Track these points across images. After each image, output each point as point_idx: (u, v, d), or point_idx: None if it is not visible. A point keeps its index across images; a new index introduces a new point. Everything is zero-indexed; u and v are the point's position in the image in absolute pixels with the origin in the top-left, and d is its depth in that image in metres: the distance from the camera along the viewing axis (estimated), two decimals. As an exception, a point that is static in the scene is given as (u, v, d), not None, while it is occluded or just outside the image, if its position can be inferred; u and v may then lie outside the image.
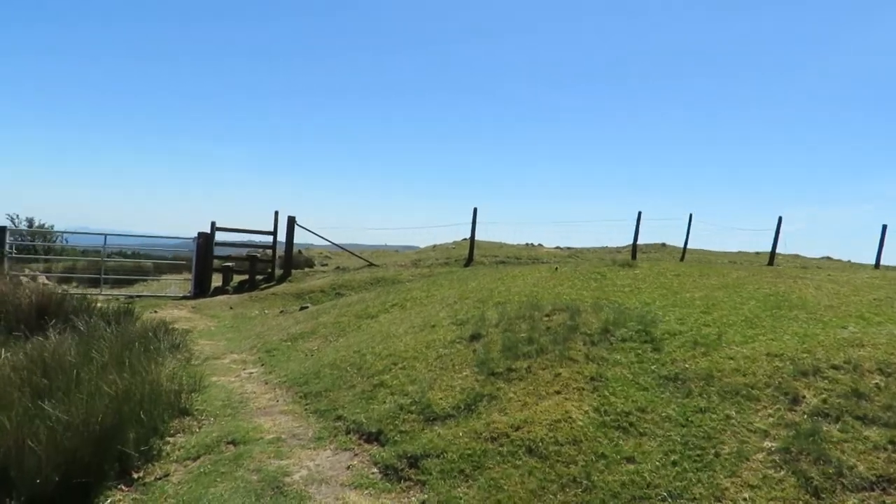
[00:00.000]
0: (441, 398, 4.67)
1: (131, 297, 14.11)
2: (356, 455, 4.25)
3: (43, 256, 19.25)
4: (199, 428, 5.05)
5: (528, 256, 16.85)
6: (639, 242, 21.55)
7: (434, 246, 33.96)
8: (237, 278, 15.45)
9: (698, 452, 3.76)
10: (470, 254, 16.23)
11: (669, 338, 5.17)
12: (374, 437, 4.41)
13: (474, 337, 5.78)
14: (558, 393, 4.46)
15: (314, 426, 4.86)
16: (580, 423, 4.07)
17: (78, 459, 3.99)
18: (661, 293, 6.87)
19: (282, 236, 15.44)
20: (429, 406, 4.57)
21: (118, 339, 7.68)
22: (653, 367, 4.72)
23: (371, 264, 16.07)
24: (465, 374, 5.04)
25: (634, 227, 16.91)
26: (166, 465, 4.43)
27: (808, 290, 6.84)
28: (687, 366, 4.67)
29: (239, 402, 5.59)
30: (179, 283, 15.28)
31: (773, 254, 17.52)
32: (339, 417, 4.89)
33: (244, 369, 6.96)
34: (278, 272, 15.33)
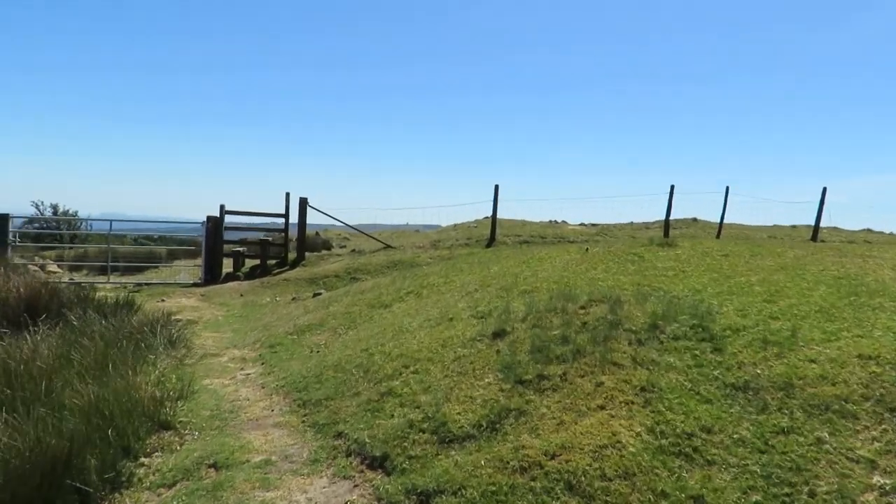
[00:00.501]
0: (459, 413, 3.89)
1: (140, 284, 13.58)
2: (356, 486, 3.50)
3: (57, 244, 18.88)
4: (181, 445, 4.35)
5: (554, 235, 15.95)
6: (669, 218, 20.50)
7: (455, 225, 33.16)
8: (249, 263, 14.83)
9: (786, 490, 2.94)
10: (492, 233, 15.38)
11: (732, 335, 4.31)
12: (378, 463, 3.66)
13: (498, 334, 4.98)
14: (602, 408, 3.65)
15: (310, 444, 4.13)
16: (632, 448, 3.27)
17: (19, 497, 3.31)
18: (712, 277, 5.99)
19: (294, 219, 14.75)
20: (444, 423, 3.80)
21: (108, 336, 7.05)
22: (715, 373, 3.88)
23: (388, 246, 15.32)
24: (487, 380, 4.25)
25: (667, 202, 15.89)
26: (136, 494, 3.75)
27: (884, 272, 5.90)
28: (758, 371, 3.82)
29: (229, 412, 4.88)
30: (190, 270, 14.71)
31: (816, 228, 16.38)
32: (339, 434, 4.14)
33: (242, 369, 6.27)
34: (291, 256, 14.67)
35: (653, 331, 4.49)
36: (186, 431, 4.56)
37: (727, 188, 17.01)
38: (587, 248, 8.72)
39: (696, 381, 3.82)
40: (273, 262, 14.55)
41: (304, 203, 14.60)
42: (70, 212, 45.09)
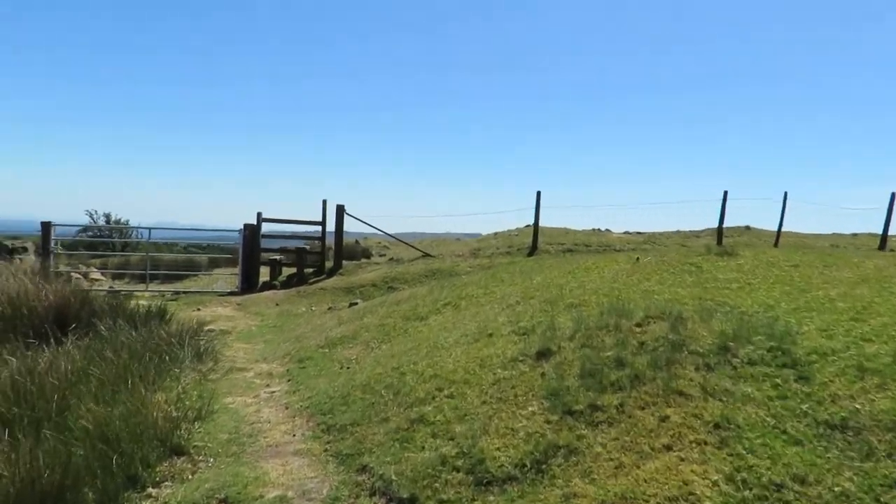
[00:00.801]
0: (498, 449, 3.38)
1: (178, 293, 13.50)
2: (380, 534, 3.03)
3: (99, 252, 19.10)
4: (193, 474, 3.96)
5: (599, 243, 15.27)
6: (723, 226, 19.53)
7: (496, 233, 32.57)
8: (286, 271, 14.62)
9: (911, 565, 2.33)
10: (534, 242, 14.80)
11: (819, 360, 3.68)
12: (405, 506, 3.18)
13: (542, 354, 4.45)
14: (668, 448, 3.09)
15: (332, 478, 3.68)
16: (709, 503, 2.70)
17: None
18: (784, 291, 5.33)
19: (331, 227, 14.47)
20: (481, 461, 3.30)
21: (134, 348, 6.79)
22: (803, 407, 3.27)
23: (426, 255, 14.90)
24: (530, 409, 3.73)
25: (720, 209, 14.99)
26: (138, 532, 3.36)
27: None
28: (857, 406, 3.20)
29: (248, 436, 4.48)
30: (227, 278, 14.59)
31: (885, 236, 15.24)
32: (363, 468, 3.68)
33: (267, 386, 5.89)
34: (328, 265, 14.39)
35: (723, 354, 3.89)
36: (201, 458, 4.18)
37: (785, 194, 16.04)
38: (638, 258, 8.09)
39: (781, 417, 3.22)
40: (310, 270, 14.30)
41: (341, 210, 14.32)
42: (121, 220, 46.28)
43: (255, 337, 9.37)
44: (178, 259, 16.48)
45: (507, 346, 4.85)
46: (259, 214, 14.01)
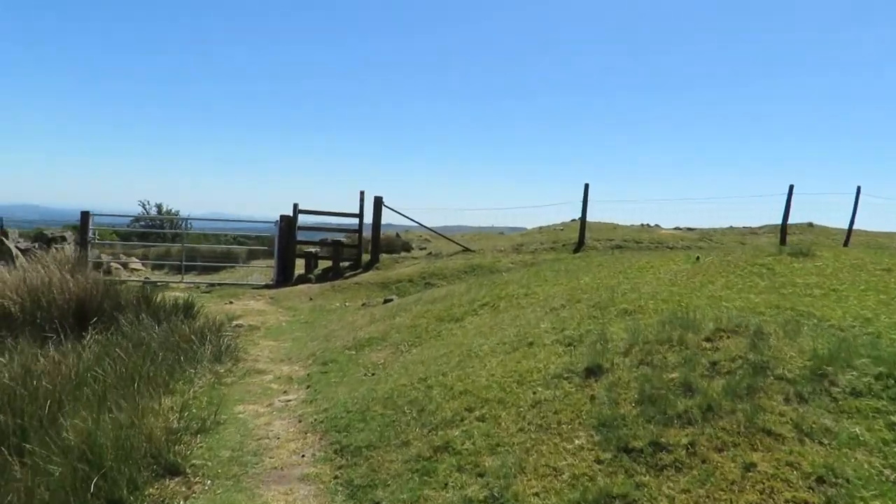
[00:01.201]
0: (537, 494, 2.75)
1: (212, 285, 13.25)
2: None
3: (137, 243, 19.21)
4: (186, 499, 3.47)
5: (650, 240, 14.35)
6: (779, 222, 18.32)
7: (540, 228, 31.70)
8: (322, 265, 14.23)
9: None
10: (580, 237, 14.00)
11: (946, 393, 2.92)
12: (420, 564, 2.58)
13: (591, 371, 3.78)
14: (758, 510, 2.40)
15: (338, 516, 3.12)
16: None
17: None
18: (880, 300, 4.50)
19: (369, 219, 14.00)
20: (515, 511, 2.67)
21: (152, 346, 6.41)
22: (935, 458, 2.53)
23: (467, 249, 14.28)
24: (577, 442, 3.08)
25: (784, 204, 13.85)
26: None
27: None
28: None
29: (253, 454, 3.97)
30: (262, 271, 14.28)
31: (972, 235, 13.83)
32: (375, 504, 3.11)
33: (284, 392, 5.39)
34: (365, 258, 13.93)
35: (818, 380, 3.15)
36: (197, 479, 3.68)
37: (858, 188, 14.75)
38: (698, 257, 7.28)
39: (906, 471, 2.49)
40: (346, 264, 13.87)
41: (378, 202, 13.82)
42: (171, 210, 47.18)
43: (284, 333, 8.94)
44: (216, 250, 16.31)
45: (550, 359, 4.20)
46: (296, 206, 13.64)
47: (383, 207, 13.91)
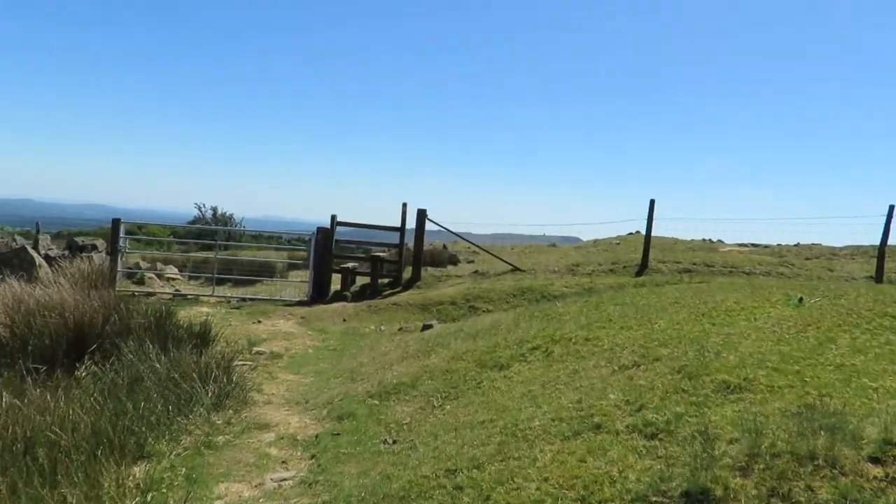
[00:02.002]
0: None
1: (243, 299, 12.49)
2: None
3: (163, 251, 18.68)
4: None
5: (723, 263, 12.79)
6: (865, 243, 16.54)
7: (595, 241, 30.17)
8: (359, 281, 13.29)
9: None
10: (644, 258, 12.59)
11: None
12: None
13: (690, 497, 2.57)
14: None
15: None
16: None
17: None
18: None
19: (410, 233, 12.99)
20: None
21: (146, 384, 5.53)
22: None
23: (516, 269, 13.07)
24: None
25: (884, 225, 12.06)
26: None
27: None
28: None
29: (216, 577, 2.93)
30: (297, 286, 13.44)
31: None
32: None
33: (282, 463, 4.34)
34: (405, 275, 12.91)
35: None
36: None
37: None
38: (801, 298, 5.91)
39: None
40: (385, 280, 12.89)
41: (422, 215, 12.79)
42: (227, 214, 47.50)
43: (308, 364, 7.97)
44: (252, 263, 15.58)
45: (628, 461, 3.00)
46: (333, 217, 12.77)
47: (427, 221, 12.87)
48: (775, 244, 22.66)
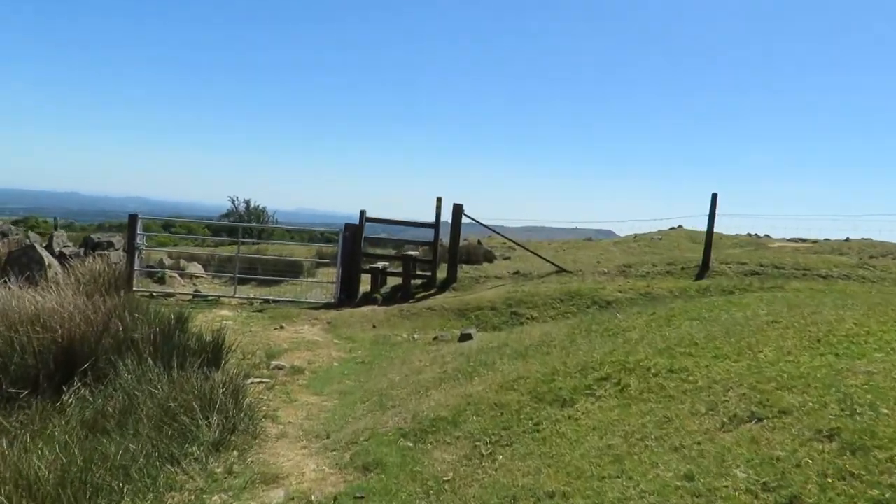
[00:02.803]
0: None
1: (267, 301, 11.63)
2: None
3: (180, 249, 18.00)
4: None
5: (794, 265, 11.41)
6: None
7: (635, 236, 28.74)
8: (391, 281, 12.32)
9: None
10: (705, 259, 11.32)
11: None
12: None
13: None
14: None
15: None
16: None
17: None
18: None
19: (445, 229, 11.96)
20: None
21: (139, 414, 4.63)
22: None
23: (561, 269, 11.93)
24: None
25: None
26: None
27: None
28: None
29: None
30: (325, 287, 12.52)
31: None
32: None
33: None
34: (440, 276, 11.89)
35: None
36: None
37: None
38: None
39: None
40: (418, 281, 11.89)
41: (458, 211, 11.73)
42: (259, 207, 47.12)
43: (332, 382, 7.02)
44: (278, 263, 14.74)
45: None
46: (363, 213, 11.80)
47: (463, 217, 11.82)
48: (822, 239, 21.00)
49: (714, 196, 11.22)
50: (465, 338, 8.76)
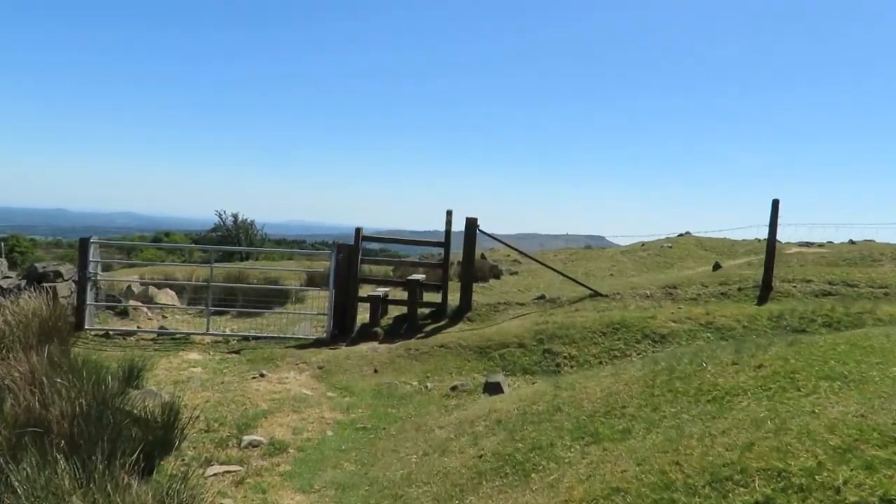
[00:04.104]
0: None
1: (246, 338, 9.73)
2: None
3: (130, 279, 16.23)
4: None
5: (868, 282, 9.68)
6: None
7: (642, 244, 27.23)
8: (392, 310, 10.49)
9: None
10: (766, 278, 9.56)
11: None
12: None
13: None
14: None
15: None
16: None
17: None
18: None
19: (456, 247, 10.16)
20: None
21: None
22: None
23: (596, 293, 10.12)
24: None
25: None
26: None
27: None
28: None
29: None
30: (312, 318, 10.63)
31: None
32: None
33: None
34: (451, 303, 10.07)
35: None
36: None
37: None
38: None
39: None
40: (426, 310, 10.06)
41: (473, 226, 9.93)
42: (247, 221, 44.98)
43: (325, 466, 5.18)
44: (260, 290, 12.83)
45: None
46: (358, 231, 9.97)
47: (477, 233, 10.01)
48: (826, 241, 19.49)
49: (775, 203, 9.47)
50: (493, 389, 6.95)
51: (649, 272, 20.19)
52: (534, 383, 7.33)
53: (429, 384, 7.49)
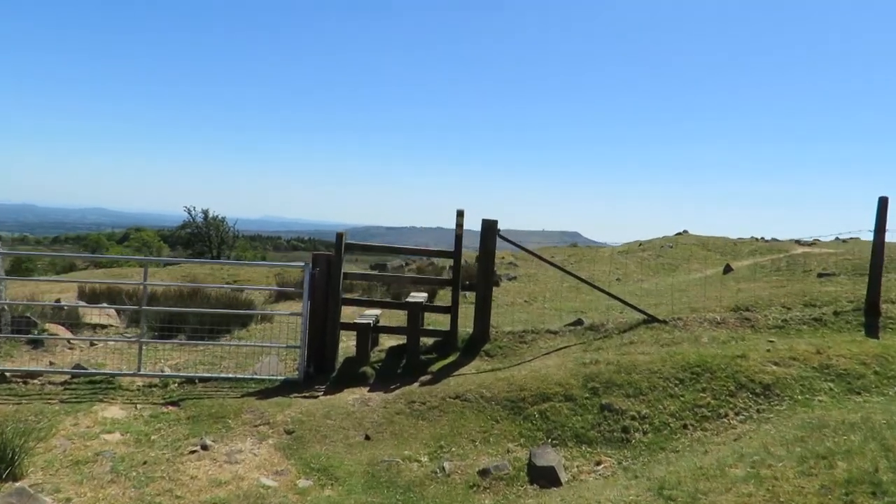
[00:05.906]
0: None
1: (191, 380, 7.28)
2: None
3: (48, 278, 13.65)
4: None
5: None
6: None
7: (640, 243, 25.68)
8: (385, 340, 8.13)
9: None
10: (871, 297, 7.37)
11: None
12: None
13: None
14: None
15: None
16: None
17: None
18: None
19: (466, 259, 7.82)
20: None
21: None
22: None
23: (652, 318, 7.82)
24: None
25: None
26: None
27: None
28: None
29: None
30: (281, 351, 8.18)
31: None
32: None
33: None
34: (462, 331, 7.73)
35: None
36: None
37: None
38: None
39: None
40: (430, 340, 7.73)
41: (491, 230, 7.58)
42: (218, 217, 42.04)
43: None
44: (215, 313, 10.40)
45: None
46: (340, 237, 7.56)
47: (497, 239, 7.67)
48: (829, 238, 17.80)
49: (883, 201, 7.28)
50: (544, 476, 4.68)
51: (656, 275, 18.10)
52: (599, 464, 5.07)
53: (446, 464, 5.17)
